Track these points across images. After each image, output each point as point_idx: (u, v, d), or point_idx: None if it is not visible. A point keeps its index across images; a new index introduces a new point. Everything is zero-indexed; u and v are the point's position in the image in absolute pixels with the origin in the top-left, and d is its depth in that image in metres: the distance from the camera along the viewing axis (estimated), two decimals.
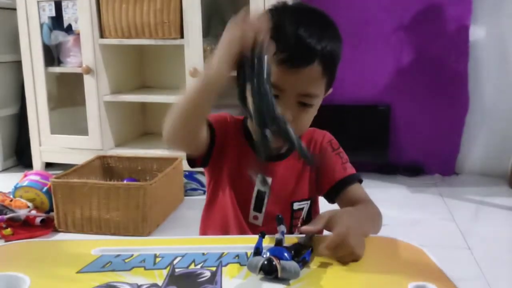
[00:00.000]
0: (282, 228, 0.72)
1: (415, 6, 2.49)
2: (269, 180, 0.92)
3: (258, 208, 0.95)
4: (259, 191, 0.94)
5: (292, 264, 0.62)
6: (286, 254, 0.64)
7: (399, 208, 2.13)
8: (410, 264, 0.70)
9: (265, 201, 0.95)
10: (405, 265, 0.69)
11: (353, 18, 2.50)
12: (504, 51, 2.49)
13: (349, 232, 0.69)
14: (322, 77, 0.85)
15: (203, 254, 0.71)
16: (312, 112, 0.89)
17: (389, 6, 2.51)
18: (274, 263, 0.61)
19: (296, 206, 0.97)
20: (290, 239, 0.73)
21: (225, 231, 0.95)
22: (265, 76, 0.66)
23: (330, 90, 0.93)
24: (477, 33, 2.49)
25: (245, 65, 0.68)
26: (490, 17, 2.47)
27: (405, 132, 2.63)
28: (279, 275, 0.61)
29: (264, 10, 0.86)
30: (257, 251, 0.66)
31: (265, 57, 0.67)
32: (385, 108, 2.60)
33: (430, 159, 2.64)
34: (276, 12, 0.86)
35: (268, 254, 0.64)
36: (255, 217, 0.95)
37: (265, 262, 0.61)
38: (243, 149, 0.93)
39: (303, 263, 0.66)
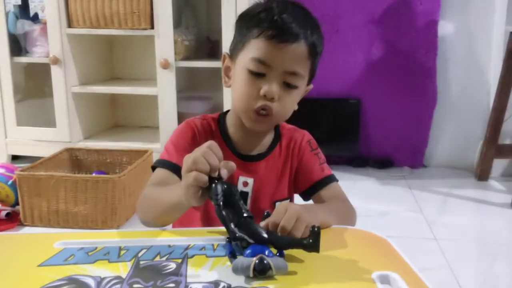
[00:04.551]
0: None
1: (386, 0, 2.51)
2: (250, 180, 0.93)
3: None
4: (241, 192, 0.94)
5: (280, 260, 0.62)
6: (267, 252, 0.62)
7: (369, 200, 2.16)
8: (374, 254, 0.70)
9: (248, 201, 0.95)
10: (369, 255, 0.70)
11: (325, 11, 2.51)
12: (471, 46, 2.54)
13: (288, 215, 0.70)
14: (308, 58, 0.87)
15: (169, 246, 0.70)
16: (296, 95, 0.90)
17: (360, 0, 2.52)
18: (266, 261, 0.60)
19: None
20: None
21: None
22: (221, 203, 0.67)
23: (311, 86, 0.95)
24: (445, 28, 2.53)
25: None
26: (458, 12, 2.51)
27: (375, 126, 2.66)
28: (274, 272, 0.60)
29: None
30: (233, 255, 0.65)
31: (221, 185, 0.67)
32: (355, 101, 2.62)
33: (399, 152, 2.68)
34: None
35: (249, 252, 0.62)
36: None
37: (257, 262, 0.59)
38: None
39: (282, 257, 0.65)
